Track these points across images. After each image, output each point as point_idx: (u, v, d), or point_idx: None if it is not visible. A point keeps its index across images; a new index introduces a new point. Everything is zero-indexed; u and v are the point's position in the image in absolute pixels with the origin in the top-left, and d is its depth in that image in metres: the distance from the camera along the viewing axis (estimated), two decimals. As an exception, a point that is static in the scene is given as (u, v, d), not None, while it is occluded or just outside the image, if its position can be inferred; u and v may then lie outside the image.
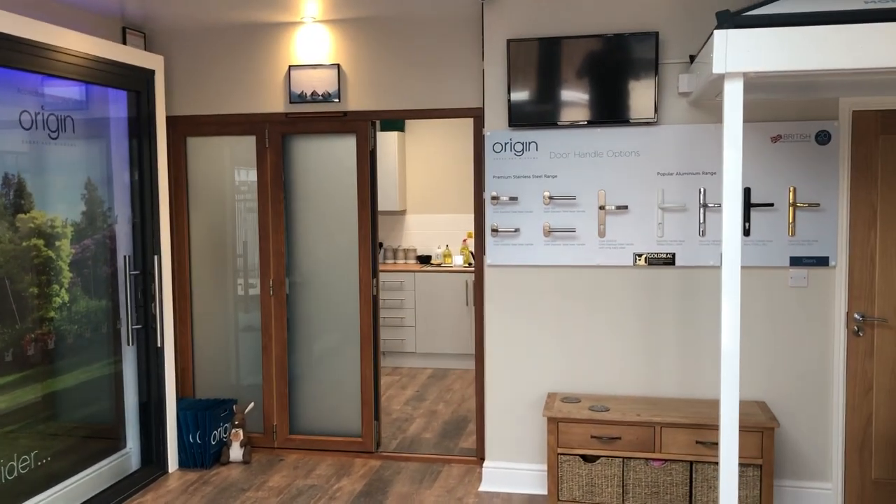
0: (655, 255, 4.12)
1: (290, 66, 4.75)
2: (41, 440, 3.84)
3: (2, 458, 3.59)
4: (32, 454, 3.78)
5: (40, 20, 3.76)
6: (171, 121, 4.94)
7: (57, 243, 3.95)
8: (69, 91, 4.05)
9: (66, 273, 4.01)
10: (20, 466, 3.70)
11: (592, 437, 3.85)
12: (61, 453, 3.98)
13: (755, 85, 3.69)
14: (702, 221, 4.05)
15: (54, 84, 3.94)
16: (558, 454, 3.89)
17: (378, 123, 4.95)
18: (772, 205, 3.97)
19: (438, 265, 7.37)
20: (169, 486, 4.44)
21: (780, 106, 3.96)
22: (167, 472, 4.64)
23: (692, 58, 3.96)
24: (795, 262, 3.98)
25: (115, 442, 4.42)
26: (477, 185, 4.59)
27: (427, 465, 4.74)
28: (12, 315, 3.65)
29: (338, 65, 4.69)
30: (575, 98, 4.09)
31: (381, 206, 7.43)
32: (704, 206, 4.04)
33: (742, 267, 3.97)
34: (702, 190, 4.03)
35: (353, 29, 4.69)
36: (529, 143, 4.21)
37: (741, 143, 2.82)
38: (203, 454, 4.70)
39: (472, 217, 7.57)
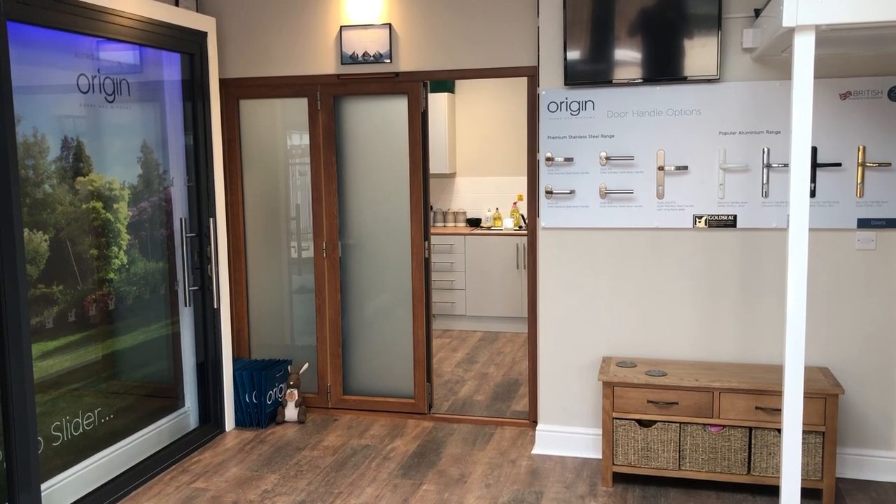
0: (716, 217, 4.01)
1: (341, 27, 4.70)
2: (104, 398, 3.94)
3: (68, 414, 3.69)
4: (96, 411, 3.88)
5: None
6: (224, 83, 4.94)
7: (115, 206, 4.00)
8: (124, 54, 4.07)
9: (124, 235, 4.07)
10: (85, 423, 3.80)
11: (649, 401, 3.80)
12: (123, 411, 4.07)
13: (825, 39, 3.53)
14: (765, 182, 3.93)
15: (110, 47, 3.96)
16: (613, 419, 3.85)
17: (429, 84, 4.88)
18: (839, 164, 3.82)
19: (488, 228, 7.32)
20: (226, 445, 4.53)
21: (850, 61, 3.78)
22: (224, 431, 4.73)
23: (757, 12, 3.80)
24: (863, 223, 3.84)
25: (173, 401, 4.51)
26: (531, 146, 4.51)
27: (479, 427, 4.75)
28: (74, 276, 3.72)
29: (389, 24, 4.63)
30: (633, 55, 3.97)
31: (431, 169, 7.39)
32: (768, 166, 3.91)
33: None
34: (765, 150, 3.90)
35: (405, -13, 4.61)
36: (586, 102, 4.11)
37: (811, 101, 2.70)
38: (259, 414, 4.78)
39: (522, 179, 7.50)
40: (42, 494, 3.44)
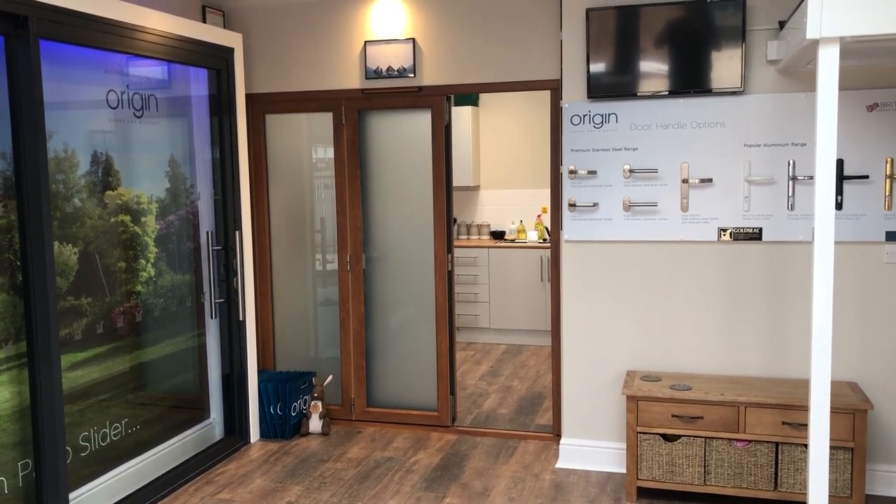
0: (741, 230, 3.99)
1: (365, 42, 4.74)
2: (130, 409, 3.99)
3: (96, 425, 3.74)
4: (123, 422, 3.93)
5: (126, 1, 3.84)
6: (251, 98, 5.01)
7: (143, 219, 4.06)
8: (152, 70, 4.15)
9: (151, 248, 4.13)
10: (112, 433, 3.85)
11: (673, 416, 3.77)
12: (149, 422, 4.12)
13: (850, 50, 3.50)
14: (791, 195, 3.89)
15: (138, 64, 4.03)
16: (638, 433, 3.82)
17: (452, 98, 4.91)
18: (867, 177, 3.78)
19: (512, 241, 7.32)
20: (251, 456, 4.56)
21: (877, 72, 3.75)
22: (249, 442, 4.77)
23: (782, 24, 3.78)
24: (892, 236, 3.79)
25: (199, 412, 4.55)
26: (554, 159, 4.52)
27: (503, 440, 4.74)
28: (102, 288, 3.78)
29: (413, 39, 4.67)
30: (657, 68, 3.97)
31: (455, 182, 7.41)
32: (794, 178, 3.87)
33: (834, 242, 3.81)
34: (791, 162, 3.87)
35: (429, 1, 4.64)
36: (609, 115, 4.11)
37: (836, 113, 2.68)
38: (283, 425, 4.80)
39: (546, 192, 7.49)
40: (70, 504, 3.49)
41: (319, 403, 4.87)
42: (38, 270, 3.27)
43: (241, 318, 4.68)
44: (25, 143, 3.21)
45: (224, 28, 4.87)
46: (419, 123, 4.82)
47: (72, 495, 3.54)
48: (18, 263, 3.27)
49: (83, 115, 3.66)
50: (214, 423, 4.66)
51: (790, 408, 3.62)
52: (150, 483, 4.02)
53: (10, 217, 3.23)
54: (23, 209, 3.25)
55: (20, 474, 3.30)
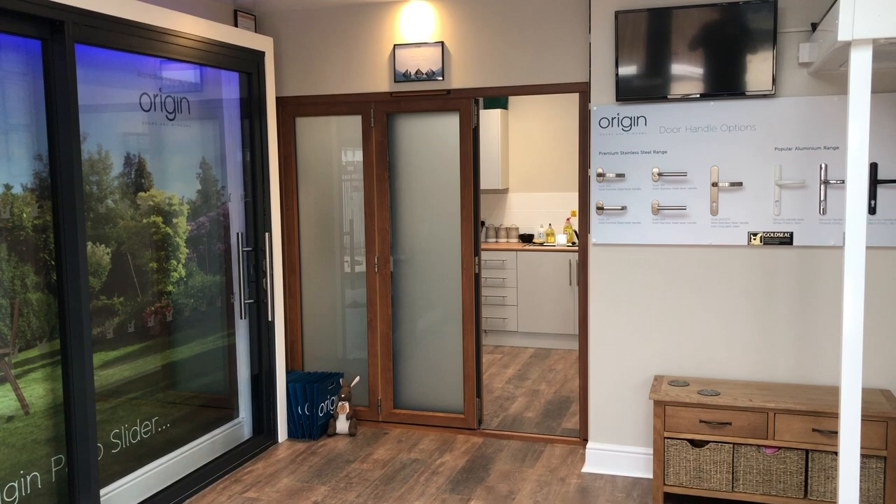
0: (772, 235, 3.94)
1: (394, 45, 4.77)
2: (161, 407, 4.05)
3: (126, 422, 3.80)
4: (153, 420, 3.98)
5: (159, 5, 3.90)
6: (281, 101, 5.06)
7: (174, 220, 4.12)
8: (185, 74, 4.21)
9: (182, 249, 4.19)
10: (142, 431, 3.91)
11: (701, 421, 3.73)
12: (179, 420, 4.18)
13: (884, 52, 3.44)
14: (822, 199, 3.84)
15: (171, 67, 4.09)
16: (665, 438, 3.79)
17: (481, 101, 4.91)
18: (901, 181, 3.72)
19: (541, 244, 7.31)
20: (279, 456, 4.60)
21: (913, 75, 3.69)
22: (277, 441, 4.81)
23: (814, 26, 3.74)
24: (927, 242, 3.72)
25: (228, 411, 4.60)
26: (582, 162, 4.50)
27: (529, 444, 4.72)
28: (134, 288, 3.85)
29: (442, 42, 4.68)
30: (686, 70, 3.94)
31: (483, 185, 7.42)
32: (826, 182, 3.82)
33: (867, 247, 3.75)
34: (823, 166, 3.81)
35: (457, 5, 4.66)
36: (638, 118, 4.09)
37: (868, 116, 2.65)
38: (311, 425, 4.84)
39: (575, 196, 7.47)
40: (101, 499, 3.54)
41: (347, 404, 4.90)
42: (72, 270, 3.34)
43: (270, 319, 4.73)
44: (60, 144, 3.28)
45: (255, 32, 4.93)
46: (447, 126, 4.84)
47: (102, 491, 3.60)
48: (53, 263, 3.34)
49: (117, 117, 3.73)
50: (243, 423, 4.71)
51: (821, 415, 3.57)
52: (179, 480, 4.07)
53: (45, 217, 3.30)
54: (57, 210, 3.31)
55: (53, 469, 3.37)
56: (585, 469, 4.31)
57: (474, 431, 4.90)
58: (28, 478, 3.26)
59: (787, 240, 3.92)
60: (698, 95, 3.94)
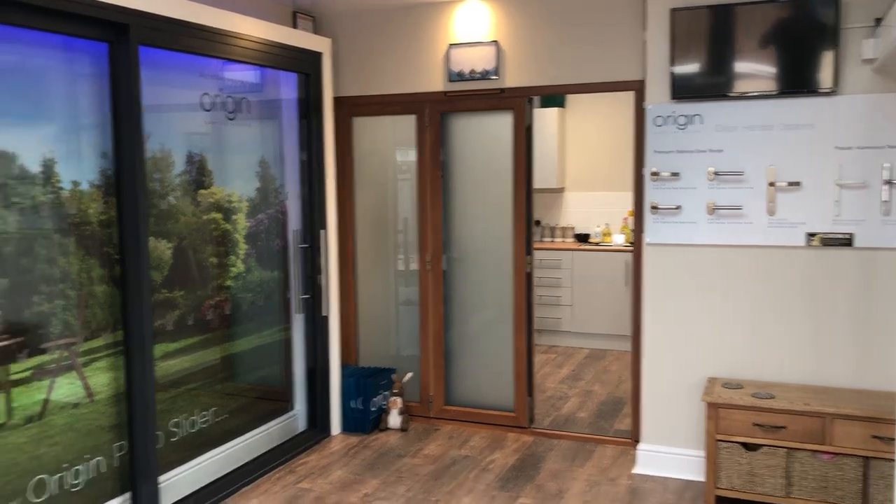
0: (831, 236, 3.85)
1: (449, 45, 4.81)
2: (219, 399, 4.17)
3: (185, 412, 3.93)
4: (211, 410, 4.11)
5: (220, 8, 4.02)
6: (338, 101, 5.15)
7: (234, 217, 4.24)
8: (245, 74, 4.32)
9: (241, 245, 4.31)
10: (201, 421, 4.03)
11: (755, 424, 3.67)
12: (236, 412, 4.29)
13: (952, 48, 3.34)
14: (885, 199, 3.73)
15: (231, 68, 4.21)
16: (717, 441, 3.74)
17: (538, 100, 4.92)
18: (969, 181, 3.59)
19: (597, 244, 7.25)
20: (332, 448, 4.69)
21: (983, 71, 3.56)
22: (330, 435, 4.90)
23: (878, 21, 3.64)
24: None
25: (283, 404, 4.71)
26: (637, 161, 4.46)
27: (580, 444, 4.71)
28: (194, 282, 3.97)
29: (496, 41, 4.70)
30: (743, 68, 3.88)
31: (539, 184, 7.40)
32: (889, 182, 3.71)
33: (931, 249, 3.63)
34: (887, 165, 3.71)
35: (512, 4, 4.67)
36: (693, 116, 4.04)
37: (931, 112, 2.57)
38: (363, 420, 4.92)
39: (631, 195, 7.38)
40: (160, 486, 3.67)
41: (399, 400, 4.96)
42: (135, 264, 3.47)
43: (325, 314, 4.82)
44: (125, 143, 3.41)
45: (314, 33, 5.02)
46: (501, 125, 4.85)
47: (162, 478, 3.73)
48: (117, 257, 3.48)
49: (179, 117, 3.86)
50: (298, 416, 4.81)
51: (881, 421, 3.48)
52: (235, 470, 4.19)
53: (110, 213, 3.44)
54: (122, 206, 3.45)
55: (115, 455, 3.51)
56: (636, 470, 4.28)
57: (525, 430, 4.91)
58: (92, 462, 3.40)
59: (847, 241, 3.82)
60: (756, 93, 3.87)
